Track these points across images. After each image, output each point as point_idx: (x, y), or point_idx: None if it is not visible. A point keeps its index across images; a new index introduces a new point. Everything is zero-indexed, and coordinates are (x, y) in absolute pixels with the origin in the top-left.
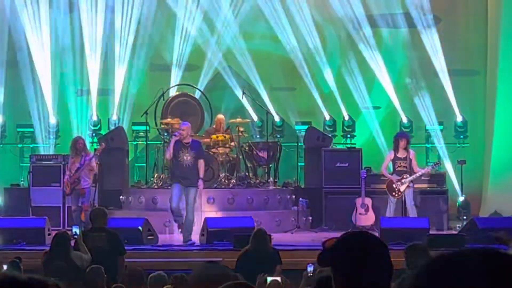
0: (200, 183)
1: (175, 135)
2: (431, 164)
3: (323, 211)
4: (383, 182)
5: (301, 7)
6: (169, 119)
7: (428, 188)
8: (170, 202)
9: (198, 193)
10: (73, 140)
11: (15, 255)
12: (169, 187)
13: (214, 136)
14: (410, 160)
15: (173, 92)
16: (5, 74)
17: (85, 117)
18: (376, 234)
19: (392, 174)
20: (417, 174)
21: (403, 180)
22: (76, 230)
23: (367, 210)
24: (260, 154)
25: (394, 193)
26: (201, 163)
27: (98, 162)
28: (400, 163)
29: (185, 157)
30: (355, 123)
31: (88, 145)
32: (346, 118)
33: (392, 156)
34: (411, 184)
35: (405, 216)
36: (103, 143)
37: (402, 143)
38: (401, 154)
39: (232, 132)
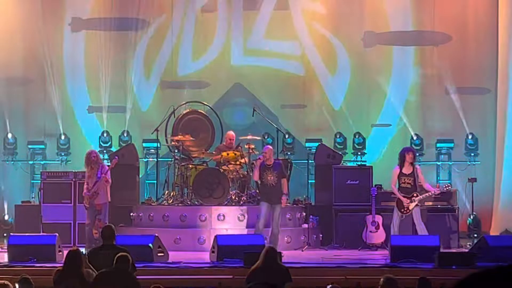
0: (283, 198)
1: (259, 158)
2: (442, 186)
3: (333, 228)
4: (393, 200)
5: (312, 24)
6: (179, 136)
7: (438, 206)
8: (257, 223)
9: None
10: (86, 154)
11: (25, 272)
12: (180, 204)
13: (224, 153)
14: (417, 176)
15: (184, 110)
16: (16, 91)
17: (96, 134)
18: (387, 251)
19: (397, 190)
20: (427, 194)
21: (413, 199)
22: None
23: (377, 227)
24: None
25: (402, 209)
26: (284, 181)
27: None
28: (405, 180)
29: (269, 178)
30: (366, 140)
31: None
32: (357, 135)
33: (398, 172)
34: (419, 203)
35: (415, 234)
36: (116, 157)
37: (409, 157)
38: (406, 170)
39: (242, 149)
